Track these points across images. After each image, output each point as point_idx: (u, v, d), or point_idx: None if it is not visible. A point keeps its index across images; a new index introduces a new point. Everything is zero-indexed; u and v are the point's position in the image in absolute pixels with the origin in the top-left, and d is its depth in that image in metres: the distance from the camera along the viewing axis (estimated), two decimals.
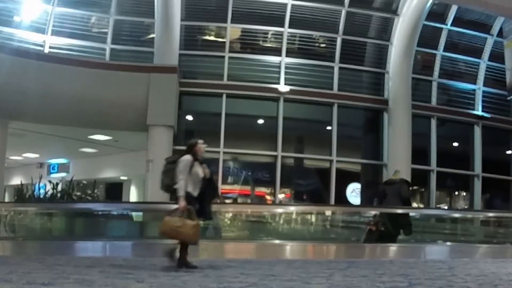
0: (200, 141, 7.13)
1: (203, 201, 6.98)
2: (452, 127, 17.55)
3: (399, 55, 15.87)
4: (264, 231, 11.70)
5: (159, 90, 13.73)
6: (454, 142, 17.93)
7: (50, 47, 14.76)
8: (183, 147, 15.50)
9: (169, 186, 6.90)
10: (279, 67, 15.61)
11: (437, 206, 16.49)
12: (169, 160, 7.13)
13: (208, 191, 7.06)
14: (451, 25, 16.69)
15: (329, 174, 15.66)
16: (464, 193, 18.01)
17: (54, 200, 12.57)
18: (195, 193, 6.87)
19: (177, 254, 6.79)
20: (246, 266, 7.24)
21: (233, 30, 15.79)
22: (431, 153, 16.55)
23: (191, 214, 6.72)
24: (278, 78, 15.53)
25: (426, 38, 16.39)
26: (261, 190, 16.49)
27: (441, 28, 16.65)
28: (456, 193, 18.37)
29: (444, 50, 16.83)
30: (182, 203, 6.68)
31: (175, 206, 6.86)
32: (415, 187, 16.93)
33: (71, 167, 20.70)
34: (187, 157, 6.90)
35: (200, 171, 6.93)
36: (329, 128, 15.89)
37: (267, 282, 5.58)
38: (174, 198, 6.92)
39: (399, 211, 10.83)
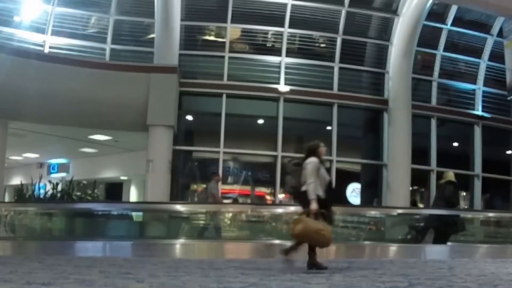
0: (322, 143, 7.14)
1: (327, 204, 6.92)
2: (452, 127, 17.54)
3: (399, 55, 15.86)
4: (264, 231, 11.70)
5: (159, 90, 13.73)
6: (454, 142, 17.92)
7: (50, 47, 14.77)
8: (183, 147, 15.79)
9: (295, 187, 6.86)
10: (279, 67, 15.61)
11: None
12: (295, 162, 7.11)
13: (330, 195, 6.99)
14: (451, 25, 16.69)
15: (329, 174, 15.62)
16: (464, 193, 18.00)
17: (54, 200, 12.57)
18: (323, 196, 6.80)
19: (293, 254, 6.76)
20: (246, 266, 7.23)
21: (233, 30, 15.79)
22: (431, 153, 16.55)
23: (323, 217, 6.65)
24: (278, 78, 15.52)
25: (426, 38, 16.38)
26: (261, 190, 16.48)
27: (441, 28, 16.65)
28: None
29: (444, 50, 16.83)
30: (315, 205, 6.59)
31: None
32: (415, 187, 16.97)
33: (71, 167, 20.69)
34: (315, 160, 6.86)
35: (325, 173, 6.93)
36: (329, 128, 15.88)
37: (267, 282, 5.58)
38: (299, 200, 6.87)
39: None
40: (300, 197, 6.86)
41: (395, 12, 16.05)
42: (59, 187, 13.56)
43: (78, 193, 14.13)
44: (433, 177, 16.41)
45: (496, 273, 6.86)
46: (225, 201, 14.49)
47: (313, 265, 6.75)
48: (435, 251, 10.25)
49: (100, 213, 11.91)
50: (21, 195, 13.41)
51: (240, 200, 15.62)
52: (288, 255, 6.77)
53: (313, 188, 6.67)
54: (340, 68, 15.91)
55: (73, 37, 15.02)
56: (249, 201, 16.07)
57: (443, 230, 10.59)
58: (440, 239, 10.57)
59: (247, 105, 15.89)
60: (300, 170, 6.85)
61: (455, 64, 17.26)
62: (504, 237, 12.49)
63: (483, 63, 17.25)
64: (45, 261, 7.43)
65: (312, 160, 6.86)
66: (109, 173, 19.93)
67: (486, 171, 16.97)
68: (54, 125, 14.81)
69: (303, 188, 6.73)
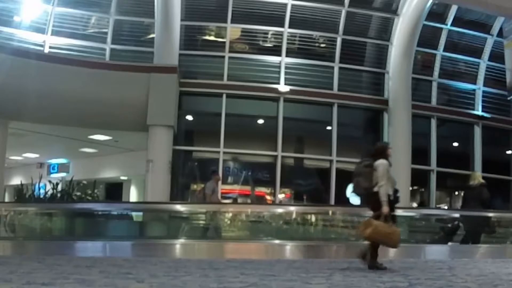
0: (388, 144, 7.25)
1: (394, 206, 7.01)
2: (452, 127, 17.55)
3: (399, 55, 15.87)
4: (264, 231, 11.69)
5: (159, 90, 13.73)
6: (454, 142, 17.92)
7: (50, 47, 14.77)
8: (183, 147, 15.79)
9: (367, 189, 6.92)
10: (279, 67, 15.61)
11: (437, 206, 16.49)
12: (365, 163, 7.11)
13: (396, 197, 7.08)
14: (451, 25, 16.69)
15: (329, 174, 15.66)
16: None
17: (54, 200, 12.57)
18: (392, 198, 6.88)
19: (368, 255, 6.86)
20: (246, 266, 7.23)
21: (233, 30, 15.79)
22: (431, 153, 16.55)
23: (392, 219, 6.73)
24: (278, 78, 15.53)
25: (426, 38, 16.39)
26: (261, 190, 16.48)
27: (441, 28, 16.65)
28: (456, 193, 18.35)
29: (444, 50, 16.83)
30: (386, 208, 6.67)
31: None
32: (415, 187, 16.96)
33: (71, 167, 20.70)
34: (385, 162, 6.93)
35: (393, 176, 6.99)
36: (329, 128, 15.89)
37: (267, 282, 5.58)
38: (370, 202, 6.94)
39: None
40: (371, 198, 6.91)
41: (395, 12, 16.05)
42: (59, 187, 13.56)
43: (78, 193, 14.13)
44: (433, 177, 16.42)
45: (496, 273, 6.87)
46: (222, 201, 14.47)
47: (375, 266, 6.80)
48: (435, 251, 10.25)
49: (100, 213, 11.91)
50: (21, 195, 13.41)
51: (240, 200, 15.64)
52: (365, 258, 6.86)
53: (385, 190, 6.75)
54: (340, 68, 15.92)
55: (73, 37, 15.03)
56: (249, 201, 16.07)
57: (476, 231, 10.71)
58: (469, 239, 10.75)
59: (247, 105, 15.90)
60: (372, 172, 6.90)
61: (455, 64, 17.25)
62: (504, 237, 12.47)
63: (483, 63, 17.25)
64: (45, 261, 7.42)
65: (382, 162, 6.92)
66: (109, 173, 19.94)
67: (486, 171, 16.92)
68: (54, 125, 14.82)
69: (375, 189, 6.80)
